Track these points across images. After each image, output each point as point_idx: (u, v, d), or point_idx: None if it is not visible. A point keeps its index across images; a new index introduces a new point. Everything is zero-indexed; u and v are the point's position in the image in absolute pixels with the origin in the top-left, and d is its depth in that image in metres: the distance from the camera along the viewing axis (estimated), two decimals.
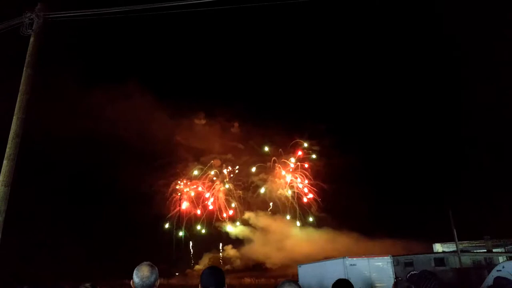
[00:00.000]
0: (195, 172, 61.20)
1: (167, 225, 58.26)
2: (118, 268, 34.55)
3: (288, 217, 59.99)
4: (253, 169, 61.67)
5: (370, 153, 58.82)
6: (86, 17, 10.11)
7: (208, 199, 60.59)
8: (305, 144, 61.87)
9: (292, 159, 61.98)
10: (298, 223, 59.55)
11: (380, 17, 67.35)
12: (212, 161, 61.52)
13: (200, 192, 61.14)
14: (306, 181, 60.78)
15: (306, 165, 61.45)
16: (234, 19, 65.82)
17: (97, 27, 49.87)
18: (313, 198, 59.95)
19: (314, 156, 61.07)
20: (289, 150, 62.18)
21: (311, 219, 59.63)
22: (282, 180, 61.25)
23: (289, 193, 60.61)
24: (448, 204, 33.66)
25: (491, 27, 52.35)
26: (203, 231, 59.07)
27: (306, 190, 60.70)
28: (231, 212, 60.41)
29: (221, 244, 59.76)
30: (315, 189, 60.01)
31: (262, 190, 60.87)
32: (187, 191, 61.10)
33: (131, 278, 3.36)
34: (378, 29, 67.91)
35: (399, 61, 64.57)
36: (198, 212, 59.68)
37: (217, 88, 72.86)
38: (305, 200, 60.18)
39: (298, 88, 75.13)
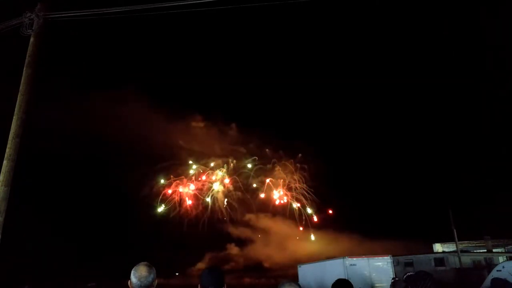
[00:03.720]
0: (192, 171, 61.15)
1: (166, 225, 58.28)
2: (116, 268, 34.54)
3: (288, 218, 60.08)
4: (253, 171, 61.75)
5: (370, 153, 58.93)
6: (86, 17, 10.11)
7: (208, 199, 60.66)
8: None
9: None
10: (298, 224, 59.59)
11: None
12: (212, 163, 61.64)
13: (199, 193, 61.22)
14: (305, 184, 60.88)
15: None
16: (234, 20, 65.82)
17: (96, 29, 49.88)
18: (312, 199, 60.01)
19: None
20: (290, 151, 62.23)
21: (310, 218, 59.70)
22: (281, 181, 61.32)
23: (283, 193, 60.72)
24: (448, 204, 33.67)
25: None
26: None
27: (305, 191, 60.80)
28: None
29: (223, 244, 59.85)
30: (314, 190, 60.05)
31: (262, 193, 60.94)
32: (186, 192, 61.15)
33: (129, 278, 3.36)
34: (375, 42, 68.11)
35: (398, 61, 64.67)
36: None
37: (217, 90, 72.90)
38: (305, 201, 60.27)
39: (298, 89, 75.20)
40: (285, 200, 60.71)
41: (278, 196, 60.72)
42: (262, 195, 60.38)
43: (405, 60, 64.70)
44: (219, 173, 61.33)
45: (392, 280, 7.33)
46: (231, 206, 60.67)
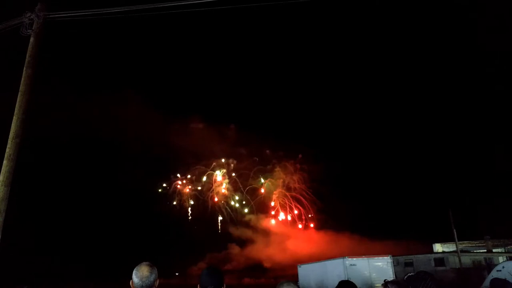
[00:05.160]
0: (193, 173, 61.16)
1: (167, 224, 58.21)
2: (117, 268, 34.54)
3: (288, 218, 60.06)
4: (252, 171, 61.70)
5: (370, 154, 58.92)
6: (86, 17, 10.10)
7: (208, 200, 60.64)
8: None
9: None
10: (298, 224, 59.59)
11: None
12: (213, 164, 61.59)
13: (200, 194, 61.20)
14: (304, 184, 60.87)
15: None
16: (234, 21, 65.81)
17: (96, 29, 49.90)
18: (312, 200, 59.97)
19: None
20: (290, 152, 62.17)
21: (311, 218, 59.69)
22: (280, 182, 61.26)
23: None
24: (448, 204, 33.66)
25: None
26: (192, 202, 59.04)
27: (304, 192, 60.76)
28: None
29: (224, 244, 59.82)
30: (314, 190, 60.01)
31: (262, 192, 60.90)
32: (187, 192, 61.15)
33: (130, 278, 3.35)
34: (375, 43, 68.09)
35: (398, 62, 64.68)
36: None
37: (217, 91, 72.86)
38: (304, 202, 60.25)
39: (299, 90, 75.20)
40: (283, 200, 60.79)
41: (277, 196, 60.74)
42: (245, 211, 60.31)
43: (405, 61, 64.80)
44: (218, 174, 61.32)
45: (383, 282, 7.19)
46: (231, 207, 60.69)
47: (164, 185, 60.66)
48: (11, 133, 8.63)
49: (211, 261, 54.94)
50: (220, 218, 59.93)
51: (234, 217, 60.27)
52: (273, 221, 59.71)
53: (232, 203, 59.98)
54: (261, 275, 48.90)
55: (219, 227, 59.75)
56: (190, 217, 60.43)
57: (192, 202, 60.90)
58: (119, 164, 53.62)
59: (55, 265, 41.23)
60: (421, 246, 42.06)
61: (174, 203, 60.37)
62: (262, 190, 60.73)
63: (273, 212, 60.56)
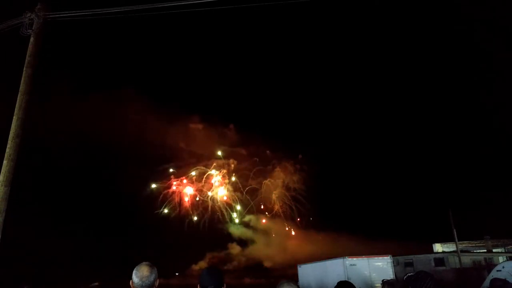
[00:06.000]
0: (193, 173, 61.09)
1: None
2: (117, 268, 34.53)
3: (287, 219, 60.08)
4: (252, 172, 61.68)
5: (371, 154, 58.93)
6: (86, 17, 10.11)
7: (208, 200, 60.63)
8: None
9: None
10: (298, 225, 59.63)
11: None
12: (213, 164, 61.57)
13: (199, 194, 61.18)
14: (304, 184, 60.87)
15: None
16: (234, 21, 65.79)
17: (96, 29, 49.86)
18: (312, 200, 59.97)
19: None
20: (290, 153, 62.14)
21: (310, 218, 59.71)
22: (280, 182, 61.25)
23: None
24: (448, 204, 33.68)
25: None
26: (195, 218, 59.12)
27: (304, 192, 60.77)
28: None
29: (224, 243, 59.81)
30: (313, 190, 59.98)
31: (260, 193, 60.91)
32: (187, 192, 61.13)
33: (130, 278, 3.35)
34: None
35: (397, 61, 64.72)
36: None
37: (217, 91, 72.81)
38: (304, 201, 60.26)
39: (299, 89, 75.20)
40: (283, 200, 60.80)
41: (277, 196, 60.74)
42: (236, 221, 60.17)
43: (404, 61, 64.82)
44: (218, 174, 61.30)
45: (381, 282, 7.19)
46: (231, 207, 60.67)
47: (164, 185, 60.64)
48: (11, 133, 8.64)
49: (211, 261, 54.95)
50: (219, 217, 60.01)
51: (234, 217, 60.31)
52: (273, 221, 59.77)
53: (234, 215, 59.97)
54: (261, 275, 48.90)
55: (219, 227, 59.78)
56: (190, 217, 60.45)
57: (191, 203, 60.93)
58: (119, 163, 53.67)
59: (55, 265, 41.21)
60: (421, 246, 42.08)
61: (173, 204, 60.40)
62: (262, 206, 60.82)
63: (268, 213, 60.61)
